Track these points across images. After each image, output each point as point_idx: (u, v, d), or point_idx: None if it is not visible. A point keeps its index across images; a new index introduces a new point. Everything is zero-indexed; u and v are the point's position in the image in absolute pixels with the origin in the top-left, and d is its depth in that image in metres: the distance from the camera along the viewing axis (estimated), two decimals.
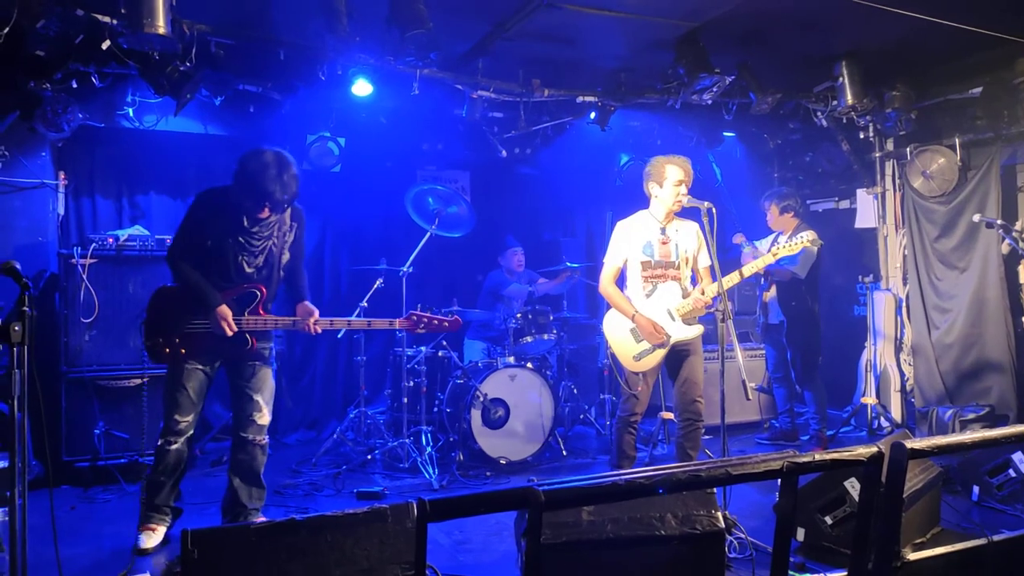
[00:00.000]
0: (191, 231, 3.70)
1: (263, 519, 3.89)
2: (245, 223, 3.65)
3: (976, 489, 4.29)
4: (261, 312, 3.75)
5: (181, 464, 3.78)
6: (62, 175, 5.31)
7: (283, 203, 3.62)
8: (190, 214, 3.74)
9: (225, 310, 3.62)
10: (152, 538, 3.69)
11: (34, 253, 5.07)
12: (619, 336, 4.17)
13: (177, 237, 3.74)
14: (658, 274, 4.14)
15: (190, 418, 3.73)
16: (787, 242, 4.33)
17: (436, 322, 4.01)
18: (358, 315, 5.43)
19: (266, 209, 3.60)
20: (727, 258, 6.71)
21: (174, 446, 3.71)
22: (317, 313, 3.81)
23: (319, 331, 3.82)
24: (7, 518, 3.14)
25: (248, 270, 3.73)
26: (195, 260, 3.67)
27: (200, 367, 3.72)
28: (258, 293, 3.75)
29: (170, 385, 3.72)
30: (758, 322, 5.99)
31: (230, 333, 3.61)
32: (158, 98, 4.79)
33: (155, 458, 3.76)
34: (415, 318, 3.98)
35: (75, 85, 4.68)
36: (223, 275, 3.69)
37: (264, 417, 3.84)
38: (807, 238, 4.30)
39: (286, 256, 3.84)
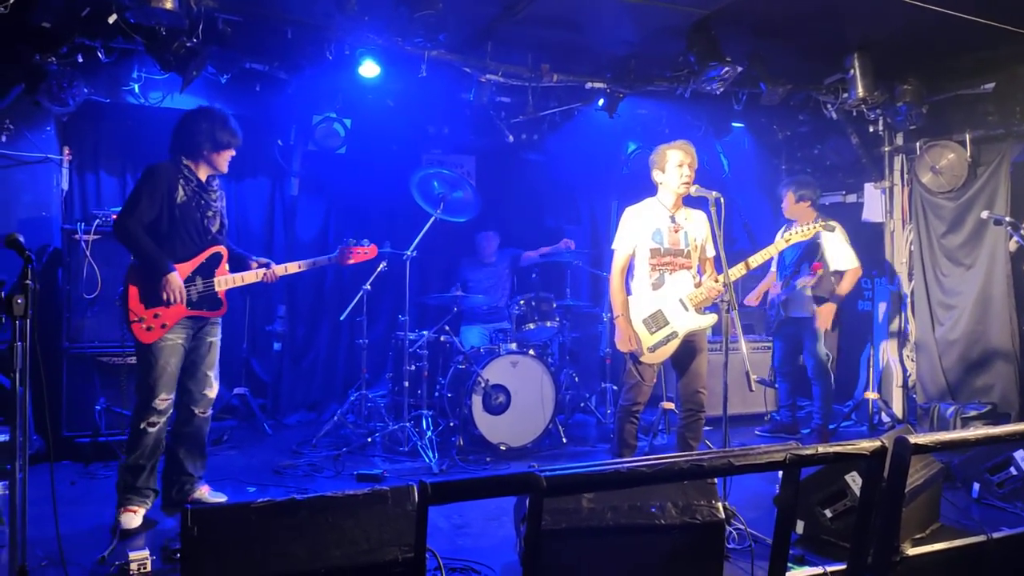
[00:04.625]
0: (152, 199, 3.68)
1: (206, 487, 4.00)
2: (203, 179, 3.81)
3: (976, 486, 4.28)
4: (227, 272, 3.87)
5: (161, 445, 3.78)
6: (67, 150, 5.29)
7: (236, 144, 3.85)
8: (150, 181, 3.70)
9: (175, 278, 3.65)
10: (134, 518, 3.66)
11: (37, 228, 5.06)
12: (634, 327, 4.13)
13: (131, 206, 3.68)
14: (666, 262, 4.11)
15: (173, 397, 3.73)
16: (801, 229, 4.26)
17: (361, 251, 4.28)
18: (360, 299, 5.43)
19: (227, 152, 3.81)
20: (733, 249, 6.68)
21: (156, 427, 3.70)
22: (273, 263, 4.05)
23: (276, 278, 4.03)
24: (7, 492, 3.15)
25: (214, 230, 3.86)
26: (158, 229, 3.69)
27: (180, 341, 3.73)
28: (222, 253, 3.88)
29: (149, 363, 3.66)
30: (774, 316, 5.77)
31: (180, 299, 3.65)
32: (164, 74, 4.77)
33: (132, 441, 3.69)
34: (346, 251, 4.23)
35: (81, 59, 4.64)
36: (193, 238, 3.77)
37: (214, 391, 3.94)
38: (820, 223, 4.29)
39: (226, 222, 4.00)
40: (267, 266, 4.02)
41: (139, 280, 3.67)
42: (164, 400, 3.69)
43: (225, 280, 3.85)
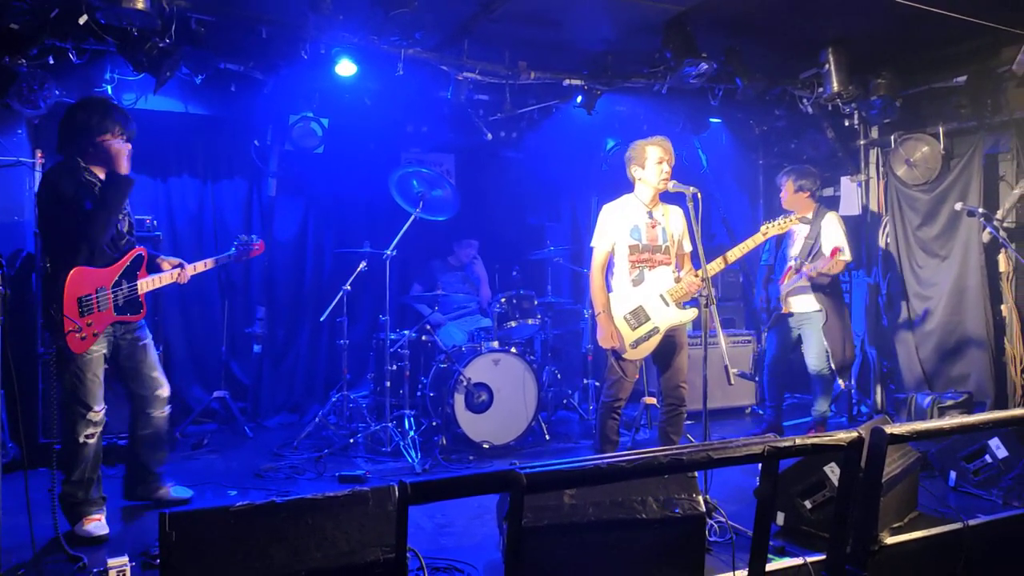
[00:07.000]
0: (65, 203, 3.47)
1: (168, 486, 4.02)
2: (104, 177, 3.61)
3: (953, 474, 4.34)
4: (147, 274, 3.81)
5: (100, 454, 3.73)
6: (39, 153, 5.21)
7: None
8: (58, 186, 3.47)
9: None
10: (102, 526, 3.62)
11: (10, 232, 4.98)
12: (616, 324, 4.14)
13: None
14: (645, 258, 4.12)
15: (104, 406, 3.67)
16: (777, 222, 4.25)
17: (256, 247, 4.47)
18: (340, 299, 5.40)
19: (119, 135, 3.59)
20: (712, 244, 6.72)
21: (94, 439, 3.63)
22: (185, 264, 4.02)
23: (188, 279, 4.01)
24: None
25: (125, 230, 3.75)
26: (74, 237, 3.48)
27: (103, 351, 3.66)
28: (143, 255, 3.80)
29: (79, 377, 3.56)
30: (767, 308, 5.43)
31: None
32: (137, 76, 4.70)
33: (73, 457, 3.58)
34: (243, 248, 4.38)
35: (51, 61, 4.56)
36: (109, 241, 3.62)
37: (167, 390, 3.93)
38: (795, 216, 4.30)
39: (133, 220, 3.88)
40: (180, 267, 3.97)
41: (73, 288, 3.48)
42: (99, 411, 3.63)
43: (146, 283, 3.79)
